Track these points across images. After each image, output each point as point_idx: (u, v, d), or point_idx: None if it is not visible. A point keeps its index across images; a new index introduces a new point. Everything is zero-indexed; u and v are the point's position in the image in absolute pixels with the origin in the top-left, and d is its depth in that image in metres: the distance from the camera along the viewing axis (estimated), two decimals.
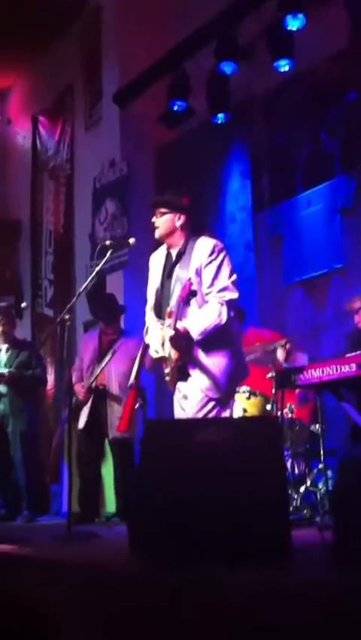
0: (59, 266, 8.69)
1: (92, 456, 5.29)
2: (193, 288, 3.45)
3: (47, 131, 9.32)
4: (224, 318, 3.39)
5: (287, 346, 4.77)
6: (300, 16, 5.45)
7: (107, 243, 4.18)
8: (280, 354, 4.73)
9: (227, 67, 6.09)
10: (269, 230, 6.27)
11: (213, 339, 3.42)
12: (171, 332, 3.36)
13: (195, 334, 3.38)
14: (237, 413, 4.54)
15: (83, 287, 4.23)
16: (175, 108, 6.54)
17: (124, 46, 7.52)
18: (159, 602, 2.22)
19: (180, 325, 3.38)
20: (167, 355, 3.51)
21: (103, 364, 5.18)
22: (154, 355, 3.63)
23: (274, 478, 2.63)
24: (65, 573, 2.77)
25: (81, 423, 5.14)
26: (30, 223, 9.42)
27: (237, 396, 4.57)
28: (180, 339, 3.37)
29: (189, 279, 3.45)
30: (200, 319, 3.40)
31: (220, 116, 6.33)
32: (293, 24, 5.50)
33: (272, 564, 2.39)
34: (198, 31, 6.36)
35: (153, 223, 3.64)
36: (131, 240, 4.25)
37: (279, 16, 5.50)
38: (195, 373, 3.45)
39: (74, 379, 5.17)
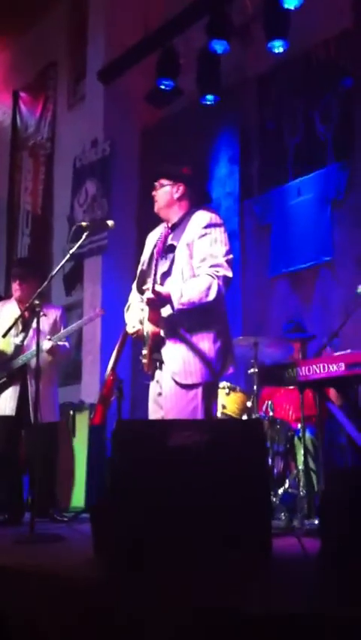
0: (36, 248, 8.40)
1: (17, 447, 4.61)
2: (171, 242, 3.17)
3: (28, 108, 9.01)
4: (213, 293, 3.02)
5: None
6: None
7: (84, 224, 3.87)
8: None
9: (218, 46, 5.80)
10: (256, 218, 6.02)
11: (198, 316, 3.07)
12: (149, 295, 3.01)
13: (177, 302, 3.01)
14: (216, 409, 4.31)
15: (56, 270, 3.94)
16: (162, 87, 6.25)
17: (111, 20, 7.20)
18: (119, 618, 2.00)
19: (161, 289, 3.04)
20: (144, 333, 3.20)
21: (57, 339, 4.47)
22: (130, 331, 3.33)
23: (256, 487, 2.41)
24: (24, 580, 2.54)
25: (8, 408, 4.47)
26: (7, 203, 9.12)
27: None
28: (159, 303, 3.02)
29: (167, 227, 3.19)
30: (186, 288, 3.04)
31: (210, 97, 6.06)
32: (290, 2, 5.22)
33: (251, 581, 2.17)
34: (190, 6, 6.07)
35: (154, 196, 3.36)
36: (110, 222, 3.98)
37: None
38: (173, 356, 3.09)
39: None
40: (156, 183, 3.35)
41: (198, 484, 2.37)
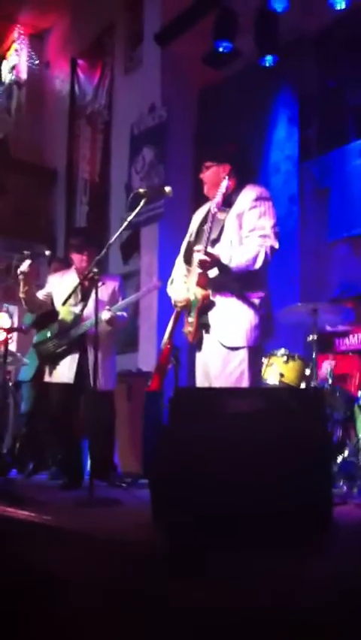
0: (94, 216, 8.42)
1: (76, 413, 4.60)
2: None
3: (86, 75, 8.96)
4: (260, 261, 3.15)
5: None
6: None
7: (141, 191, 3.84)
8: None
9: (278, 4, 5.64)
10: (316, 181, 5.87)
11: (244, 282, 3.20)
12: (201, 256, 3.11)
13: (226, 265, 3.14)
14: (273, 377, 4.27)
15: (114, 238, 3.95)
16: (220, 49, 6.11)
17: None
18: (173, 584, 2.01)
19: (212, 251, 3.16)
20: (192, 300, 3.26)
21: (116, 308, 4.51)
22: (177, 301, 3.39)
23: (316, 456, 2.36)
24: (83, 544, 2.59)
25: (67, 377, 4.49)
26: (65, 171, 9.15)
27: (274, 359, 4.31)
28: (210, 264, 3.12)
29: (227, 180, 3.23)
30: (235, 254, 3.17)
31: (269, 58, 5.89)
32: None
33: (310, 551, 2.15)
34: None
35: (202, 179, 3.46)
36: (167, 189, 3.91)
37: None
38: (220, 319, 3.20)
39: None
40: (203, 166, 3.43)
41: (256, 453, 2.34)
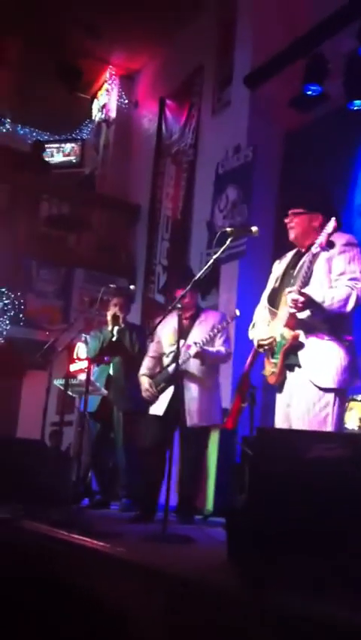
0: (174, 252, 8.54)
1: (164, 447, 4.54)
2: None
3: (173, 115, 9.19)
4: (352, 303, 3.12)
5: None
6: None
7: (228, 230, 3.89)
8: None
9: None
10: None
11: (335, 324, 3.18)
12: (295, 296, 3.10)
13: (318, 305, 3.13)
14: (353, 422, 4.20)
15: (198, 275, 4.00)
16: (310, 92, 6.17)
17: (258, 26, 7.23)
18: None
19: (305, 291, 3.15)
20: (278, 341, 3.25)
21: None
22: (262, 343, 3.35)
23: None
24: (154, 580, 2.57)
25: (159, 409, 4.56)
26: (149, 207, 9.34)
27: (354, 404, 4.25)
28: (303, 304, 3.10)
29: (333, 221, 3.19)
30: (326, 295, 3.13)
31: (358, 102, 5.91)
32: None
33: None
34: (339, 10, 5.95)
35: (286, 224, 3.44)
36: (254, 228, 3.93)
37: None
38: (311, 357, 3.16)
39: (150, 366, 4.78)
40: (290, 212, 3.40)
41: (338, 500, 2.29)
